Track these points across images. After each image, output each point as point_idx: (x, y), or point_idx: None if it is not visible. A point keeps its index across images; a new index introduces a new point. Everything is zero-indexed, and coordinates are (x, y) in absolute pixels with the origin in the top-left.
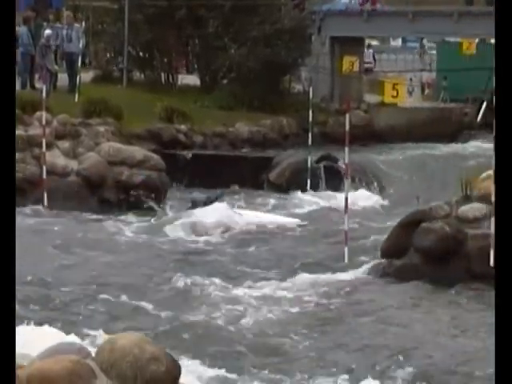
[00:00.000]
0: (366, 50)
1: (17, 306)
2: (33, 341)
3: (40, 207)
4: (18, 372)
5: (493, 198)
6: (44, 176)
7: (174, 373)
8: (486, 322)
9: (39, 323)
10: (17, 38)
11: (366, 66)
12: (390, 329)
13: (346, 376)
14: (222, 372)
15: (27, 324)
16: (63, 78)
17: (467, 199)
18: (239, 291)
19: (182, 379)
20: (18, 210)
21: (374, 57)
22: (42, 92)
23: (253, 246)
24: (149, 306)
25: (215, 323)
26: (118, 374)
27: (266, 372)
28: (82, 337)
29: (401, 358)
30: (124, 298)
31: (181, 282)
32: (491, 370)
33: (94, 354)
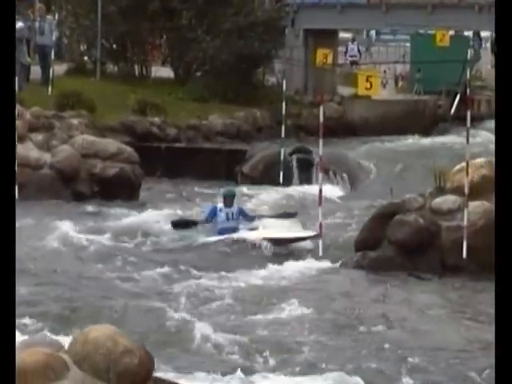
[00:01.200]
0: (350, 43)
1: None
2: None
3: None
4: None
5: (466, 190)
6: (16, 168)
7: (148, 365)
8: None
9: None
10: None
11: (351, 58)
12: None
13: None
14: None
15: None
16: (36, 71)
17: (441, 191)
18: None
19: None
20: None
21: (359, 50)
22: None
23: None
24: None
25: None
26: (90, 367)
27: None
28: None
29: None
30: None
31: None
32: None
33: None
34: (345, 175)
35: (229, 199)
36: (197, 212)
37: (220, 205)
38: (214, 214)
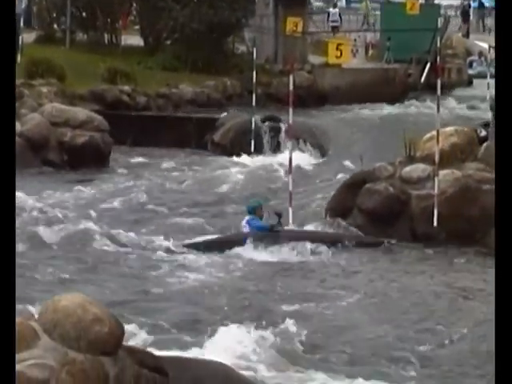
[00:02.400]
0: (331, 9)
1: None
2: None
3: None
4: None
5: (437, 158)
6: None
7: (117, 334)
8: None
9: None
10: None
11: (333, 24)
12: None
13: None
14: None
15: None
16: None
17: (411, 160)
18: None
19: None
20: None
21: (340, 16)
22: None
23: None
24: None
25: None
26: (61, 335)
27: None
28: None
29: None
30: None
31: None
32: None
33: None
34: (315, 143)
35: (257, 210)
36: None
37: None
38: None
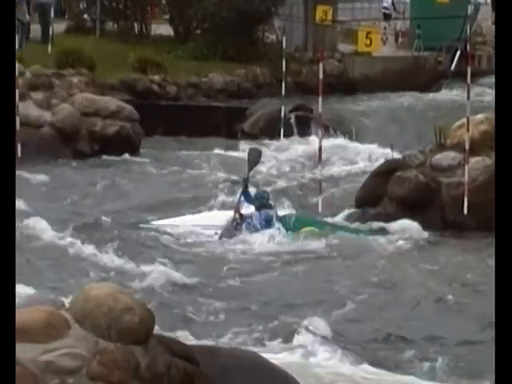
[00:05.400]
0: None
1: None
2: None
3: None
4: None
5: (467, 146)
6: (17, 127)
7: (148, 323)
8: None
9: None
10: None
11: (384, 11)
12: None
13: None
14: None
15: None
16: (36, 29)
17: (441, 148)
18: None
19: None
20: None
21: (393, 3)
22: (15, 43)
23: None
24: None
25: None
26: (92, 325)
27: None
28: None
29: None
30: None
31: None
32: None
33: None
34: (344, 132)
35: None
36: None
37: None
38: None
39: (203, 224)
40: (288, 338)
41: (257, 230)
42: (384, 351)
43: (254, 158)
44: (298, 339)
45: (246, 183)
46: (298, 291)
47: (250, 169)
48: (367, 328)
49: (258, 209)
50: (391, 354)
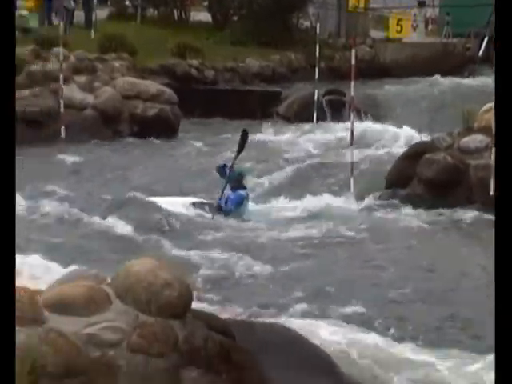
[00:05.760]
0: None
1: None
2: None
3: None
4: (37, 296)
5: (493, 130)
6: (62, 109)
7: (186, 298)
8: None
9: None
10: None
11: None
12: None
13: None
14: None
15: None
16: (79, 15)
17: (469, 131)
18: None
19: None
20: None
21: None
22: (59, 28)
23: None
24: None
25: None
26: (132, 299)
27: None
28: None
29: None
30: None
31: None
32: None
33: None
34: (376, 115)
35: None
36: None
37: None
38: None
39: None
40: None
41: (229, 211)
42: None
43: (243, 143)
44: None
45: (242, 173)
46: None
47: (238, 153)
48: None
49: (233, 189)
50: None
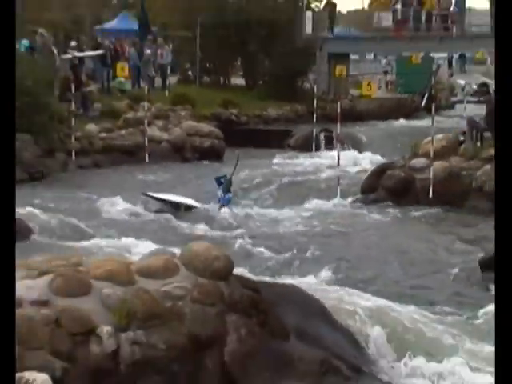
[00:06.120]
0: (384, 59)
1: None
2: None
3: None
4: (130, 266)
5: (431, 155)
6: (146, 143)
7: (229, 267)
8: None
9: None
10: (127, 56)
11: (384, 69)
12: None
13: None
14: None
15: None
16: (158, 81)
17: (415, 155)
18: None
19: None
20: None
21: (389, 63)
22: (145, 89)
23: None
24: None
25: None
26: (193, 268)
27: None
28: None
29: None
30: None
31: None
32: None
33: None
34: (355, 145)
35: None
36: None
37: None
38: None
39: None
40: None
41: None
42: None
43: (237, 162)
44: None
45: (230, 182)
46: None
47: (234, 169)
48: None
49: (224, 192)
50: None
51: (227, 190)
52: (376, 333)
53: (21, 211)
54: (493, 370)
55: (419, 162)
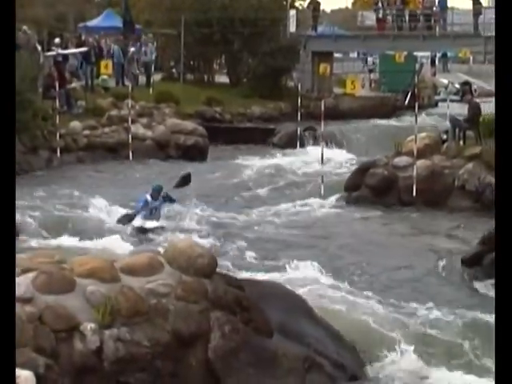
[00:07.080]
0: (369, 57)
1: None
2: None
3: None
4: (114, 263)
5: (415, 153)
6: (130, 140)
7: (213, 264)
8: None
9: None
10: (111, 54)
11: (369, 67)
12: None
13: None
14: None
15: None
16: (142, 79)
17: (398, 154)
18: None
19: None
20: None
21: (373, 62)
22: (129, 87)
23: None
24: None
25: None
26: (177, 265)
27: None
28: None
29: None
30: None
31: None
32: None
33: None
34: (337, 143)
35: (155, 193)
36: None
37: (148, 197)
38: (146, 204)
39: None
40: None
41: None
42: None
43: (184, 182)
44: None
45: (169, 196)
46: None
47: (177, 187)
48: None
49: (160, 201)
50: None
51: (156, 198)
52: None
53: None
54: None
55: (402, 160)
